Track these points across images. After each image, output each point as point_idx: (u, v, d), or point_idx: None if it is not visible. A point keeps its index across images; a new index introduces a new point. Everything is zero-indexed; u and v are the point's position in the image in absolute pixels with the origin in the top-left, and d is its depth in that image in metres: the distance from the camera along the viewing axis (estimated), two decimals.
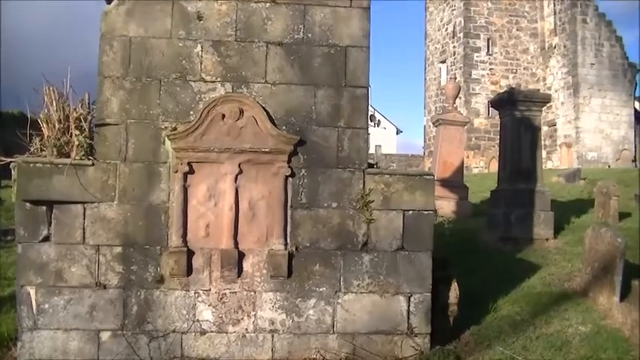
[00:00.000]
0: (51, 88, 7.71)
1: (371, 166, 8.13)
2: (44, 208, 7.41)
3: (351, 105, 7.82)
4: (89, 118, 7.78)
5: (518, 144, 14.68)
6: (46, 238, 7.41)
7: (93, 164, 7.48)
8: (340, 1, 7.89)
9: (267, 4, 7.81)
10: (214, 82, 7.70)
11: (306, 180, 7.74)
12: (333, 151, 7.78)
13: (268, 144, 7.56)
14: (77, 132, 7.64)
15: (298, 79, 7.77)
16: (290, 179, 7.70)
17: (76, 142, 7.57)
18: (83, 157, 7.52)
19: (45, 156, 7.54)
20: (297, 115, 7.74)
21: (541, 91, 40.79)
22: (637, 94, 47.15)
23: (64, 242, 7.43)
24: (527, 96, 15.15)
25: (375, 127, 71.15)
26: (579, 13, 44.49)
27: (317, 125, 7.76)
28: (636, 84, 45.75)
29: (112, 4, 7.76)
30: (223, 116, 7.52)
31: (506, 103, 14.98)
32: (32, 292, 7.41)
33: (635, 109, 46.72)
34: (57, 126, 7.68)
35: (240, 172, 7.60)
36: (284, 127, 7.67)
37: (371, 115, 64.25)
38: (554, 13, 46.94)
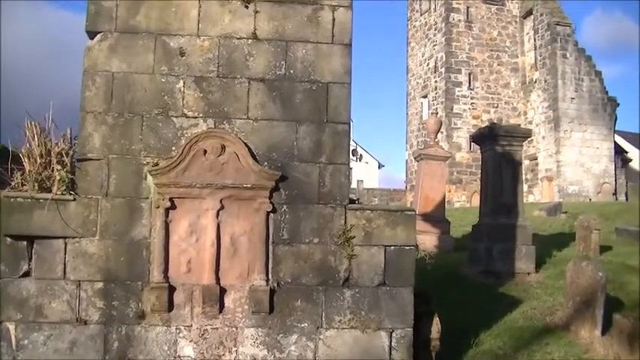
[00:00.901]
0: (33, 123, 7.71)
1: (352, 201, 8.16)
2: (25, 243, 7.36)
3: (332, 141, 7.86)
4: (71, 152, 7.77)
5: (500, 178, 14.77)
6: (27, 274, 7.36)
7: (74, 199, 7.46)
8: (322, 38, 7.96)
9: (250, 40, 7.87)
10: (196, 117, 7.73)
11: (287, 216, 7.74)
12: (315, 187, 7.80)
13: (250, 180, 7.57)
14: (59, 167, 7.62)
15: (280, 115, 7.81)
16: (272, 215, 7.70)
17: (58, 177, 7.55)
18: (65, 192, 7.50)
19: (26, 191, 7.52)
20: (278, 151, 7.77)
21: (522, 126, 41.13)
22: (617, 128, 47.55)
23: (45, 277, 7.38)
24: (508, 131, 15.27)
25: (357, 161, 71.30)
26: (559, 48, 44.94)
27: (299, 161, 7.79)
28: (616, 118, 46.15)
29: (95, 39, 7.78)
30: (205, 152, 7.53)
31: (488, 138, 15.08)
32: (12, 327, 7.34)
33: (615, 143, 47.10)
34: (38, 161, 7.67)
35: (222, 207, 7.59)
36: (266, 163, 7.69)
37: (353, 150, 64.43)
38: (535, 48, 47.40)
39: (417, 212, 15.41)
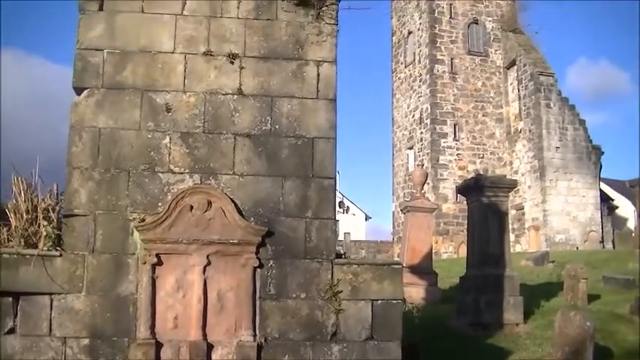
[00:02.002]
0: (19, 179, 7.72)
1: (339, 256, 8.17)
2: (10, 299, 7.32)
3: (318, 196, 7.89)
4: (57, 208, 7.77)
5: (486, 229, 14.81)
6: (12, 330, 7.30)
7: (61, 255, 7.44)
8: (307, 93, 8.04)
9: (235, 95, 7.94)
10: (183, 173, 7.75)
11: (274, 271, 7.73)
12: (301, 241, 7.81)
13: (236, 235, 7.58)
14: (45, 222, 7.62)
15: (266, 171, 7.85)
16: (258, 270, 7.69)
17: (44, 233, 7.54)
18: (51, 248, 7.48)
19: (12, 247, 7.50)
20: (265, 207, 7.79)
21: (508, 175, 41.32)
22: (602, 176, 47.80)
23: (30, 334, 7.32)
24: (494, 182, 15.37)
25: (344, 213, 71.14)
26: (543, 98, 45.31)
27: (285, 216, 7.81)
28: (601, 166, 46.41)
29: (82, 95, 7.83)
30: (191, 208, 7.54)
31: (473, 189, 15.15)
32: None
33: (601, 191, 47.31)
34: (25, 216, 7.66)
35: (209, 263, 7.58)
36: (252, 219, 7.71)
37: (340, 202, 64.35)
38: (519, 99, 47.77)
39: (404, 264, 15.42)
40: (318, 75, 8.12)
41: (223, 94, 7.93)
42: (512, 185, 15.97)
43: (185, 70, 7.94)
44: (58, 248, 7.51)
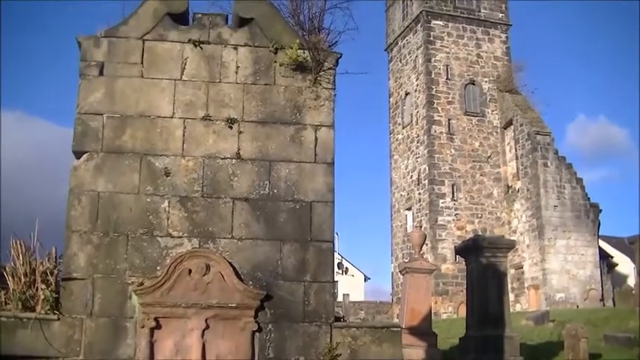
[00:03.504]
0: (18, 242, 7.74)
1: (338, 319, 8.16)
2: None
3: (317, 259, 7.90)
4: (56, 272, 7.77)
5: (485, 290, 14.80)
6: None
7: (58, 319, 7.42)
8: (305, 157, 8.10)
9: (234, 160, 8.00)
10: (181, 237, 7.78)
11: (273, 334, 7.70)
12: (300, 305, 7.79)
13: (235, 299, 7.57)
14: (43, 286, 7.61)
15: (264, 234, 7.87)
16: (257, 334, 7.66)
17: (42, 296, 7.53)
18: (49, 312, 7.46)
19: (9, 310, 7.47)
20: (263, 270, 7.80)
21: (506, 235, 41.29)
22: (601, 233, 47.77)
23: None
24: (492, 243, 15.40)
25: (342, 274, 70.85)
26: (540, 157, 45.52)
27: (283, 280, 7.81)
28: (599, 223, 46.41)
29: (82, 159, 7.89)
30: (190, 271, 7.54)
31: (472, 250, 15.18)
32: None
33: (600, 248, 47.23)
34: (22, 280, 7.65)
35: (207, 327, 7.55)
36: (251, 282, 7.71)
37: (338, 263, 64.13)
38: (516, 158, 48.00)
39: (404, 325, 15.36)
40: (316, 139, 8.19)
41: (222, 159, 8.00)
42: (510, 245, 16.01)
43: (184, 135, 8.01)
44: (55, 312, 7.48)
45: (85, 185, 7.81)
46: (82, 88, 8.06)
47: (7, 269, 7.67)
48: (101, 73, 8.10)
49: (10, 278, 7.65)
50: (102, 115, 7.99)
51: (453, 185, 48.05)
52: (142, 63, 8.17)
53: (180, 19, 8.35)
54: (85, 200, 7.76)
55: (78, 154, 7.94)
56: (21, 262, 7.69)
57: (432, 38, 49.79)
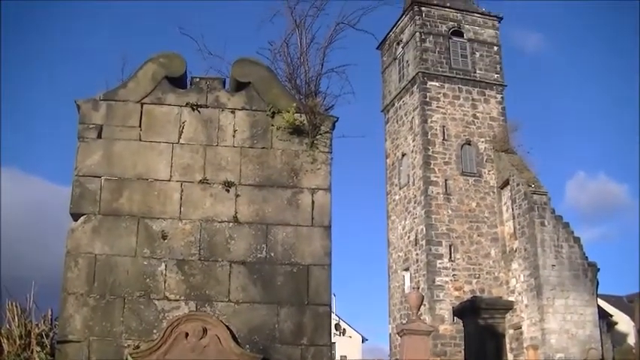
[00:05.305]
0: (13, 303, 7.71)
1: None
2: None
3: (314, 322, 7.87)
4: (51, 334, 7.74)
5: (484, 351, 14.74)
6: None
7: None
8: (302, 221, 8.13)
9: (231, 223, 8.02)
10: (178, 300, 7.76)
11: None
12: None
13: None
14: (38, 348, 7.57)
15: (261, 298, 7.86)
16: None
17: (37, 359, 7.48)
18: None
19: None
20: (260, 334, 7.76)
21: (505, 295, 41.09)
22: (600, 292, 47.54)
23: None
24: (490, 304, 15.40)
25: (340, 335, 70.32)
26: (537, 216, 45.44)
27: (280, 343, 7.77)
28: (597, 283, 46.23)
29: (79, 221, 7.91)
30: (187, 335, 7.51)
31: (470, 311, 15.16)
32: None
33: (599, 307, 46.96)
34: (18, 342, 7.61)
35: None
36: (247, 346, 7.67)
37: (336, 324, 63.68)
38: (513, 218, 47.91)
39: None
40: (313, 202, 8.23)
41: (219, 222, 8.02)
42: (508, 307, 16.03)
43: (181, 198, 8.05)
44: None
45: (82, 247, 7.82)
46: (81, 151, 8.12)
47: (1, 331, 7.64)
48: (99, 136, 8.17)
49: (5, 340, 7.61)
50: (100, 177, 8.04)
51: (450, 246, 47.86)
52: (140, 126, 8.24)
53: (178, 82, 8.45)
54: (82, 262, 7.77)
55: (75, 216, 7.96)
56: (16, 324, 7.66)
57: (428, 99, 50.08)
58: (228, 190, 8.11)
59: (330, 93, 8.74)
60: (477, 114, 51.05)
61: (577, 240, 46.32)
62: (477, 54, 51.90)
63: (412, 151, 51.04)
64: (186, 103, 8.35)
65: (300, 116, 8.35)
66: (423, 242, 47.90)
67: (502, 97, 52.08)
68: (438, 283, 46.91)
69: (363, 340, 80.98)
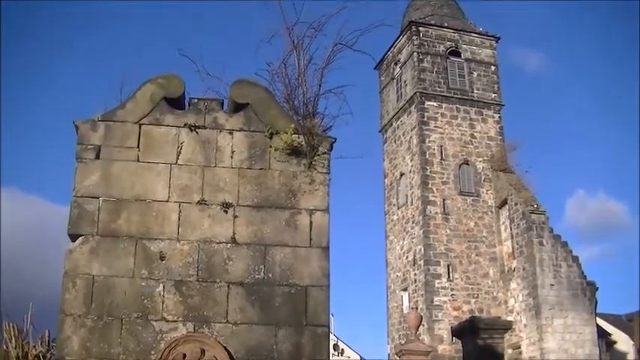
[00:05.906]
0: (11, 325, 7.70)
1: None
2: None
3: (312, 343, 7.85)
4: (48, 355, 7.73)
5: None
6: None
7: None
8: (300, 241, 8.12)
9: (229, 244, 8.02)
10: (176, 321, 7.74)
11: None
12: None
13: None
14: None
15: (259, 319, 7.84)
16: None
17: None
18: None
19: None
20: (258, 355, 7.73)
21: (503, 315, 41.02)
22: (598, 310, 47.44)
23: None
24: (488, 324, 15.38)
25: (338, 356, 70.05)
26: (535, 236, 45.39)
27: None
28: (596, 302, 46.15)
29: (77, 242, 7.90)
30: (184, 356, 7.49)
31: (469, 331, 15.14)
32: None
33: (598, 326, 46.85)
34: None
35: None
36: None
37: (334, 344, 63.35)
38: (512, 237, 47.86)
39: None
40: (311, 223, 8.23)
41: (217, 243, 8.02)
42: (506, 326, 16.01)
43: (179, 219, 8.05)
44: None
45: (80, 268, 7.81)
46: (79, 171, 8.12)
47: None
48: (98, 157, 8.18)
49: None
50: (98, 198, 8.04)
51: (448, 265, 47.78)
52: (138, 147, 8.25)
53: (176, 103, 8.47)
54: (80, 283, 7.75)
55: (73, 237, 7.96)
56: (13, 346, 7.66)
57: (425, 119, 50.15)
58: (226, 211, 8.11)
59: (328, 114, 8.76)
60: (475, 133, 51.11)
61: (575, 259, 46.29)
62: (475, 74, 52.03)
63: (410, 171, 51.06)
64: (185, 124, 8.36)
65: (298, 137, 8.37)
66: (422, 262, 47.85)
67: (500, 117, 52.16)
68: (437, 303, 46.82)
69: None
